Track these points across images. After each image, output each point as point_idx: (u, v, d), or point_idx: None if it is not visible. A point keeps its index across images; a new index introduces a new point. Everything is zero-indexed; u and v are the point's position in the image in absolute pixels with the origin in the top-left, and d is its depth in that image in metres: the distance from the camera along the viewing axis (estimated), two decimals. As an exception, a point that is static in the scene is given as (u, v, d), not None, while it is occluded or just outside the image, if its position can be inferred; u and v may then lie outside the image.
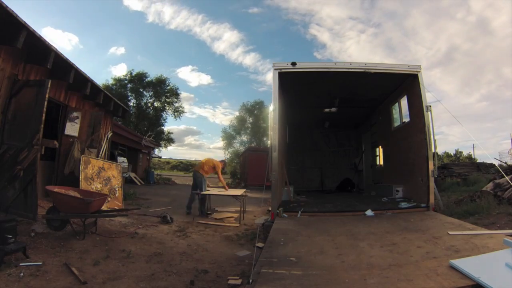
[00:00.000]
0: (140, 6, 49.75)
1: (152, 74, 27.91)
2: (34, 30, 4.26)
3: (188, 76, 65.54)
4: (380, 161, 8.50)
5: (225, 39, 68.39)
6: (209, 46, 61.65)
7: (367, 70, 5.35)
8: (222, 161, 7.92)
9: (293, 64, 5.20)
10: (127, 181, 13.53)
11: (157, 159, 31.46)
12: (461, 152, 35.78)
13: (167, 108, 26.39)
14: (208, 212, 6.93)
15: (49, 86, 4.41)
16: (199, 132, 76.48)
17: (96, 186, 5.66)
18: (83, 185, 5.33)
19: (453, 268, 2.32)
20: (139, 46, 59.37)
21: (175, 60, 65.40)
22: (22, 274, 2.68)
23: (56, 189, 4.25)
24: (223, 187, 7.80)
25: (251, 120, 32.92)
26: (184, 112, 27.14)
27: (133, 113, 24.08)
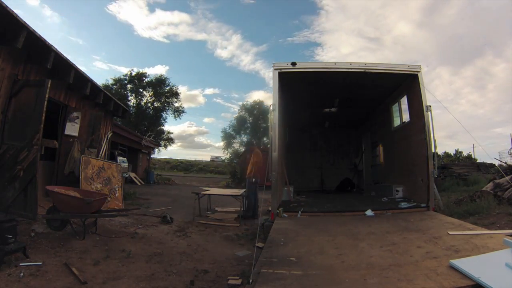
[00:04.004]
0: (227, 55, 69.46)
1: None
2: (34, 30, 4.26)
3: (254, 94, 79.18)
4: (380, 161, 8.50)
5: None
6: (267, 82, 75.61)
7: (367, 70, 5.34)
8: (253, 149, 7.57)
9: (293, 64, 5.19)
10: (127, 181, 13.52)
11: (157, 159, 31.46)
12: (461, 152, 35.67)
13: (167, 108, 26.39)
14: (208, 212, 6.93)
15: (49, 86, 4.40)
16: (206, 132, 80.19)
17: (96, 186, 5.66)
18: (83, 185, 5.33)
19: (453, 268, 2.32)
20: (217, 77, 76.63)
21: (246, 86, 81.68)
22: (22, 274, 2.68)
23: (56, 189, 4.25)
24: (222, 186, 7.79)
25: (251, 120, 32.92)
26: (184, 112, 27.16)
27: (133, 113, 24.06)
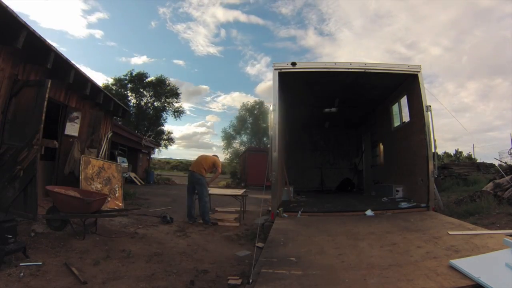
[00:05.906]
0: (255, 71, 75.26)
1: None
2: (34, 30, 4.26)
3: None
4: (380, 161, 8.50)
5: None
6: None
7: (367, 70, 5.34)
8: (215, 155, 6.70)
9: (293, 64, 5.19)
10: (127, 181, 13.52)
11: (157, 159, 31.43)
12: (461, 152, 35.67)
13: (167, 108, 26.41)
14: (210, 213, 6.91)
15: (49, 86, 4.40)
16: (210, 132, 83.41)
17: (96, 186, 5.66)
18: (83, 185, 5.32)
19: (453, 268, 2.32)
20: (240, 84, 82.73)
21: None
22: (22, 274, 2.68)
23: (56, 189, 4.25)
24: (222, 186, 7.76)
25: (251, 120, 32.91)
26: (183, 112, 27.18)
27: (133, 113, 24.07)
